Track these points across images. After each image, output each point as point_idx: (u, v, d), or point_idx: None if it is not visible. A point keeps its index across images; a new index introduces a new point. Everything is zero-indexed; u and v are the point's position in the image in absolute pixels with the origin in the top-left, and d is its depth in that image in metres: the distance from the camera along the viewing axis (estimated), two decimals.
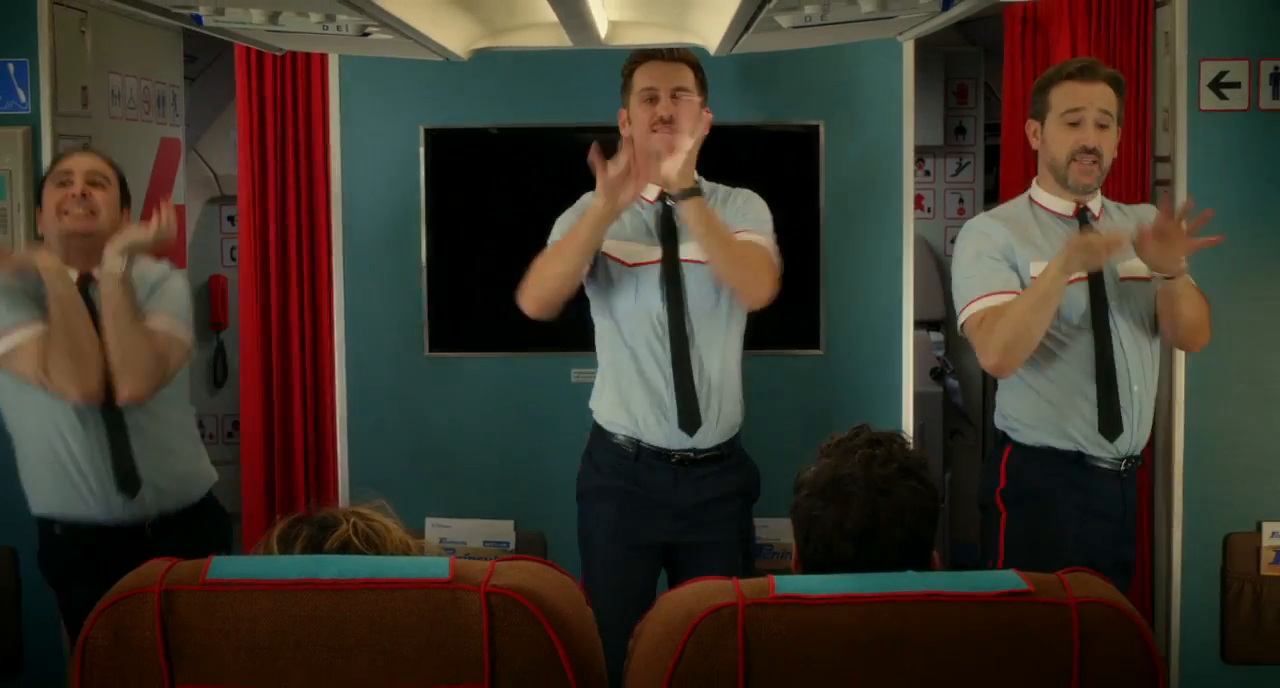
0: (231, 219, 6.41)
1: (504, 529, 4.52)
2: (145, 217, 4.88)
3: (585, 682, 2.06)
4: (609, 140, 3.85)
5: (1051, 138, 3.76)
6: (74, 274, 3.65)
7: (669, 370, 3.74)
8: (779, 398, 4.51)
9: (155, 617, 2.08)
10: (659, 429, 3.76)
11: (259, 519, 4.74)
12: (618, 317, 3.79)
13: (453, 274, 4.64)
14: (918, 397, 4.74)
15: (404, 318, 4.64)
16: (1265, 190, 4.37)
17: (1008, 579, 2.04)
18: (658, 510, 3.80)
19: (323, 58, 4.59)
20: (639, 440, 3.80)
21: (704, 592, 2.06)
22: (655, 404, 3.76)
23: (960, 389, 6.64)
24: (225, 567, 2.14)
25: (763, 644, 1.99)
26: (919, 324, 5.03)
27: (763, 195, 3.87)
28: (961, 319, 3.74)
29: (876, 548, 2.27)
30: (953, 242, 7.14)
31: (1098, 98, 3.71)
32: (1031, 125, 3.81)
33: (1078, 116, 3.71)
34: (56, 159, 3.88)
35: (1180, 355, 4.37)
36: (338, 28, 2.68)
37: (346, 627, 2.07)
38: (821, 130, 4.55)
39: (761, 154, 4.56)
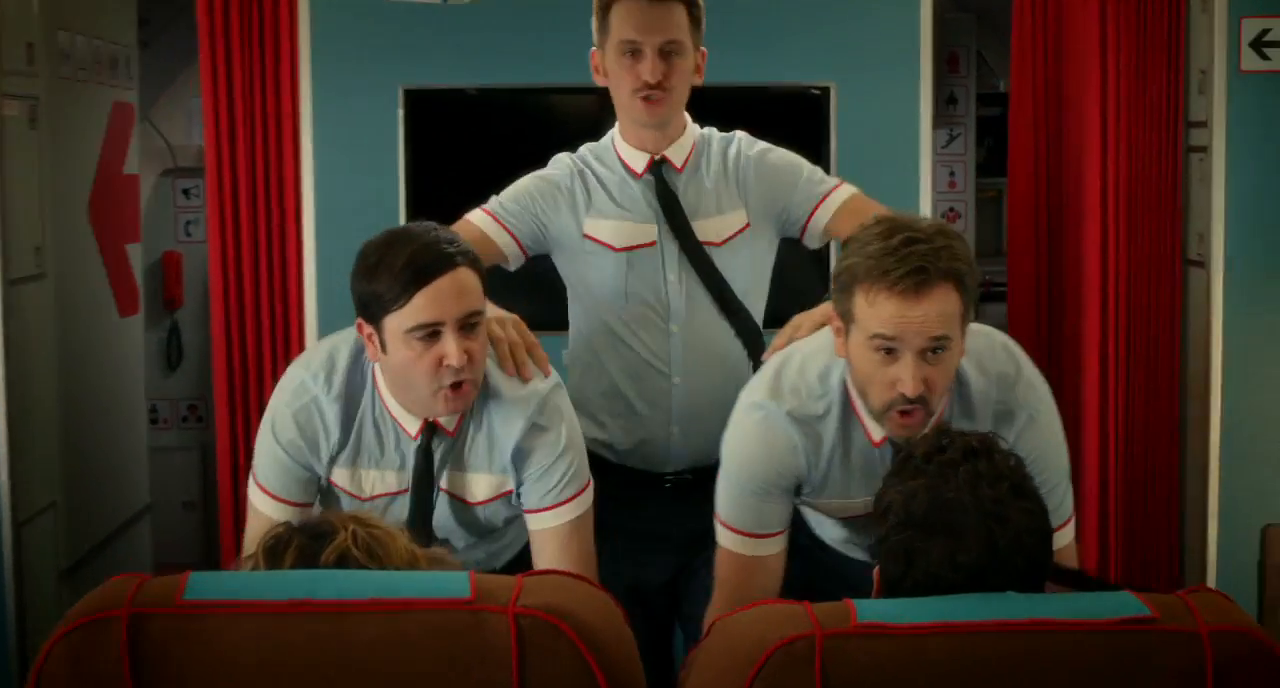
0: (186, 192, 6.16)
1: None
2: (98, 186, 4.64)
3: None
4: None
5: None
6: (417, 423, 2.73)
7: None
8: None
9: (122, 645, 1.80)
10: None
11: (229, 511, 4.42)
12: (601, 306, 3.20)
13: None
14: None
15: None
16: None
17: (1126, 604, 1.77)
18: None
19: (292, 15, 4.30)
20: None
21: (772, 618, 1.79)
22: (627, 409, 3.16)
23: None
24: (204, 585, 1.86)
25: (844, 682, 1.72)
26: None
27: None
28: None
29: (996, 581, 1.93)
30: (943, 216, 7.01)
31: None
32: None
33: None
34: (411, 272, 2.57)
35: (1216, 337, 4.20)
36: None
37: (350, 656, 1.80)
38: (833, 93, 4.32)
39: (766, 119, 4.08)
